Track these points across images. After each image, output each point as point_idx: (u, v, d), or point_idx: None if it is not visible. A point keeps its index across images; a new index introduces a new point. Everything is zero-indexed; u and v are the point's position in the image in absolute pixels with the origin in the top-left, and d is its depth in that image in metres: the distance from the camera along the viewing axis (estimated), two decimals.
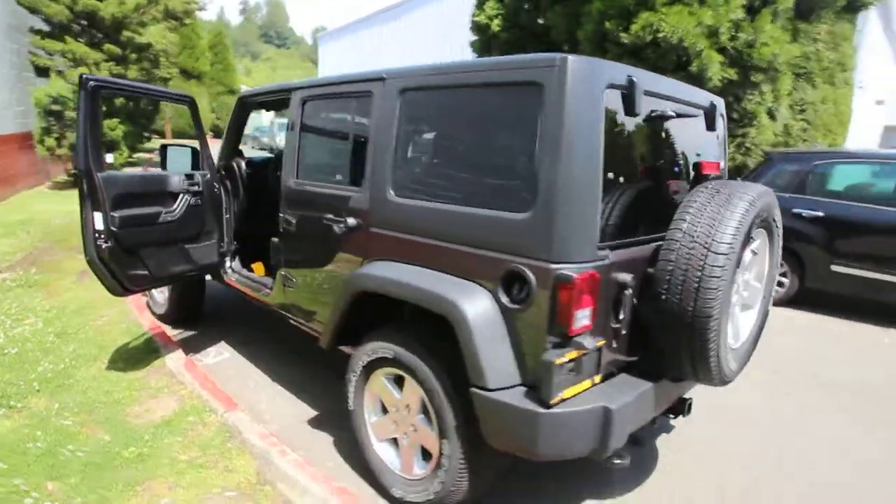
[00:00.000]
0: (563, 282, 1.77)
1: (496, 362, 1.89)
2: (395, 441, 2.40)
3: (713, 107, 2.51)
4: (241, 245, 3.72)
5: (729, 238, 1.86)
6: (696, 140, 2.47)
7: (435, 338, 2.15)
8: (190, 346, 3.79)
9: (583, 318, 1.82)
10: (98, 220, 2.82)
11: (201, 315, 4.23)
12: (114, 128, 9.46)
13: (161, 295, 4.22)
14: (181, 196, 3.28)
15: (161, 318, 4.19)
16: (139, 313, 4.21)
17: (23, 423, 2.71)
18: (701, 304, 1.85)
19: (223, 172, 3.60)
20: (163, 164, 3.46)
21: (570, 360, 1.80)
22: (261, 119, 23.95)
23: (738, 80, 8.45)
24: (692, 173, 2.37)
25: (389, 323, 2.42)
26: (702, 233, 1.88)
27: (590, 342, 1.82)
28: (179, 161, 3.44)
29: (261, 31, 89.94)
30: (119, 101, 9.54)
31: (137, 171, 3.24)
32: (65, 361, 3.38)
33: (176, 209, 3.24)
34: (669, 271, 1.90)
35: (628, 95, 1.91)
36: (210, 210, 3.46)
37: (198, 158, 3.49)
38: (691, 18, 7.92)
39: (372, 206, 2.37)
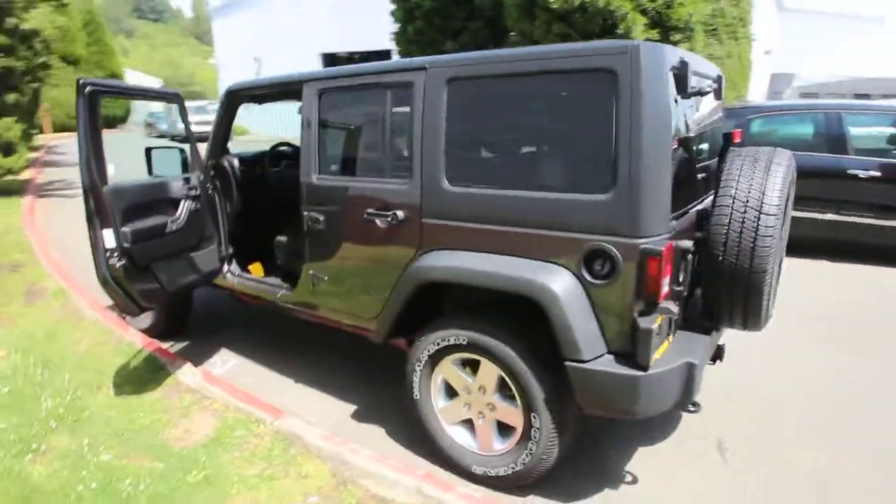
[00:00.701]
0: (651, 255, 1.91)
1: (587, 336, 2.02)
2: (467, 422, 2.48)
3: (719, 77, 2.72)
4: (234, 247, 3.55)
5: (776, 201, 2.08)
6: (712, 109, 2.67)
7: (512, 320, 2.25)
8: (192, 358, 3.61)
9: (666, 285, 1.98)
10: (108, 238, 2.60)
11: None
12: (10, 127, 8.41)
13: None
14: (183, 202, 3.07)
15: (147, 331, 3.93)
16: (122, 331, 3.92)
17: (57, 467, 2.51)
18: (757, 261, 2.06)
19: (213, 172, 3.39)
20: (149, 169, 3.21)
21: (659, 325, 1.96)
22: (153, 104, 22.25)
23: (659, 40, 8.92)
24: (721, 142, 2.57)
25: (440, 313, 2.47)
26: (753, 198, 2.08)
27: (673, 306, 2.00)
28: (167, 164, 3.20)
29: (132, 5, 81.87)
30: (12, 96, 8.46)
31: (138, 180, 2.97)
32: (68, 393, 3.11)
33: (180, 216, 3.04)
34: (724, 234, 2.10)
35: (681, 76, 2.05)
36: (208, 214, 3.27)
37: (185, 160, 3.26)
38: None
39: (424, 197, 2.38)
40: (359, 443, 2.65)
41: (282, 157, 4.06)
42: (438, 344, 2.39)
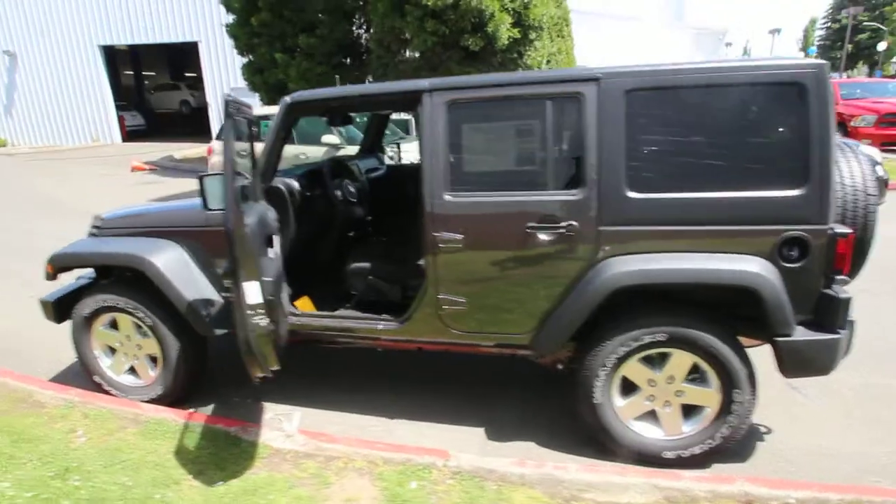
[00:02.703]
0: (841, 237, 2.30)
1: (791, 313, 2.34)
2: (648, 414, 2.64)
3: None
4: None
5: (872, 181, 2.64)
6: None
7: (704, 311, 2.47)
8: (249, 418, 3.07)
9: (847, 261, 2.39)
10: (254, 292, 2.09)
11: None
12: None
13: (149, 371, 3.23)
14: (274, 238, 2.57)
15: (158, 401, 3.20)
16: (126, 407, 3.11)
17: None
18: (868, 232, 2.60)
19: (267, 198, 2.88)
20: (204, 202, 2.61)
21: None
22: None
23: (521, 38, 9.74)
24: None
25: (632, 311, 2.56)
26: (858, 181, 2.60)
27: (847, 278, 2.42)
28: (221, 195, 2.63)
29: None
30: None
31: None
32: (150, 499, 2.42)
33: (277, 257, 2.54)
34: (842, 213, 2.59)
35: None
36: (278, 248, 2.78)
37: (244, 187, 2.71)
38: None
39: (602, 206, 2.43)
40: (536, 458, 2.64)
41: (337, 174, 3.57)
42: (630, 345, 2.49)
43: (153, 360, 3.25)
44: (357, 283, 3.09)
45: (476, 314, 2.71)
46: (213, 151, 8.85)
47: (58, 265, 3.21)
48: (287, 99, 2.77)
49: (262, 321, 2.15)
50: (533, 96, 2.50)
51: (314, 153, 7.74)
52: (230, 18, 11.88)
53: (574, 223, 2.47)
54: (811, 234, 2.31)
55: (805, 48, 59.87)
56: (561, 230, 2.48)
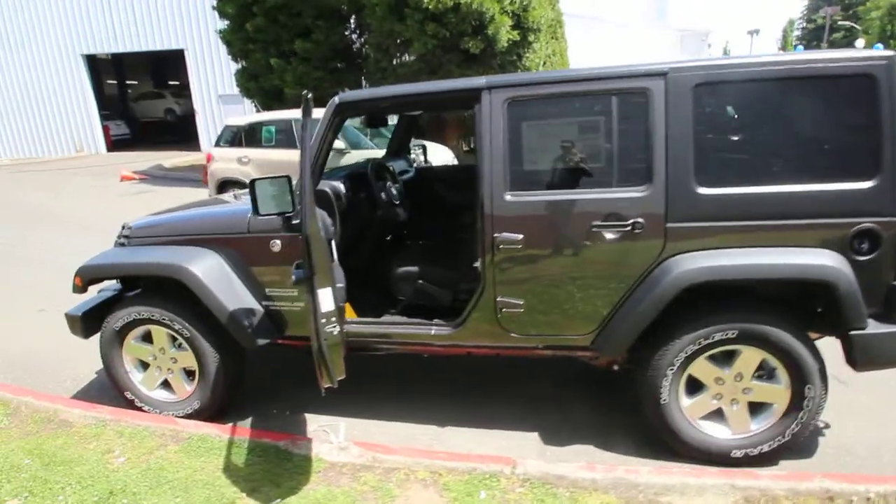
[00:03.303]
0: None
1: (864, 306, 2.31)
2: (714, 413, 2.59)
3: None
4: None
5: None
6: None
7: (772, 305, 2.43)
8: (295, 431, 2.97)
9: None
10: (328, 300, 2.00)
11: None
12: None
13: (185, 385, 3.11)
14: (332, 243, 2.48)
15: (195, 415, 3.08)
16: (166, 424, 2.98)
17: None
18: None
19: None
20: (254, 207, 2.50)
21: None
22: None
23: (520, 40, 9.74)
24: None
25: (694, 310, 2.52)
26: None
27: None
28: (277, 199, 2.53)
29: None
30: None
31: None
32: None
33: (335, 262, 2.45)
34: None
35: None
36: None
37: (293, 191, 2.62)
38: None
39: (669, 202, 2.38)
40: (597, 460, 2.58)
41: (380, 176, 3.48)
42: (700, 343, 2.44)
43: (189, 373, 3.12)
44: (405, 288, 3.00)
45: (536, 316, 2.64)
46: (212, 158, 8.67)
47: (87, 277, 3.07)
48: (336, 99, 2.68)
49: (335, 329, 2.06)
50: (597, 92, 2.44)
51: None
52: (222, 24, 11.71)
53: (641, 220, 2.41)
54: (882, 226, 2.28)
55: (784, 49, 61.25)
56: (627, 227, 2.43)
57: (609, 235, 2.46)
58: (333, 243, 2.53)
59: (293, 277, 2.10)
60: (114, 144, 20.52)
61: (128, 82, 26.09)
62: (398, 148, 4.13)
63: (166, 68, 24.32)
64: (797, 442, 2.51)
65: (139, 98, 25.13)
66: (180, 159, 16.61)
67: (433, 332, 2.81)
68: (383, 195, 3.28)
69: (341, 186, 2.91)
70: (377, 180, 3.28)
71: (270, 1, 10.24)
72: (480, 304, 2.68)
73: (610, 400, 3.19)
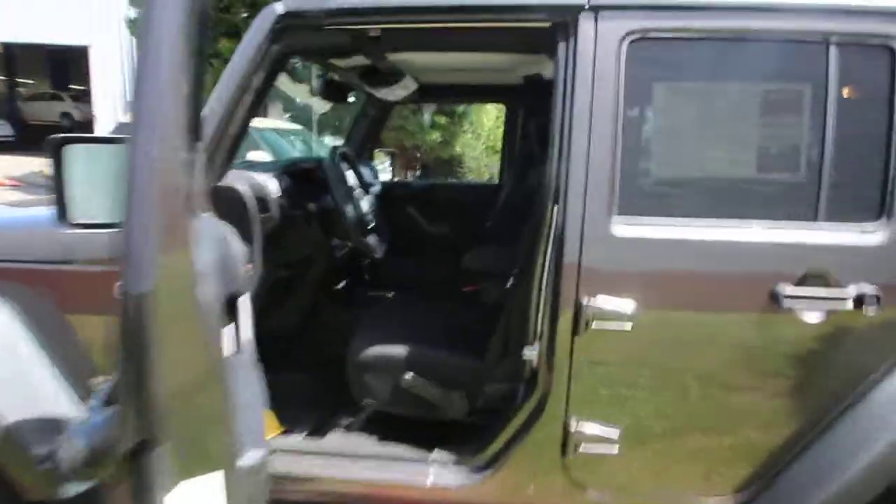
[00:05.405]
0: None
1: None
2: None
3: None
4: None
5: None
6: None
7: None
8: None
9: None
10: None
11: None
12: None
13: None
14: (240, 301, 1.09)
15: None
16: None
17: None
18: None
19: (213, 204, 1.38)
20: (61, 209, 1.09)
21: None
22: None
23: None
24: None
25: None
26: None
27: None
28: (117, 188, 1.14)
29: None
30: None
31: None
32: None
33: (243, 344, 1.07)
34: None
35: None
36: None
37: None
38: None
39: None
40: None
41: (342, 178, 2.05)
42: None
43: None
44: (376, 384, 1.61)
45: (644, 459, 1.37)
46: None
47: None
48: (277, 8, 1.36)
49: None
50: (799, 37, 1.28)
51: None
52: (133, 14, 10.01)
53: (870, 288, 1.24)
54: None
55: None
56: (843, 300, 1.25)
57: (806, 315, 1.26)
58: (245, 302, 1.12)
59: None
60: None
61: (20, 80, 23.29)
62: (362, 145, 2.67)
63: (69, 70, 21.89)
64: None
65: (31, 98, 22.42)
66: None
67: (430, 480, 1.45)
68: (349, 210, 1.85)
69: (271, 186, 1.53)
70: (339, 184, 1.87)
71: None
72: (534, 431, 1.37)
73: None
